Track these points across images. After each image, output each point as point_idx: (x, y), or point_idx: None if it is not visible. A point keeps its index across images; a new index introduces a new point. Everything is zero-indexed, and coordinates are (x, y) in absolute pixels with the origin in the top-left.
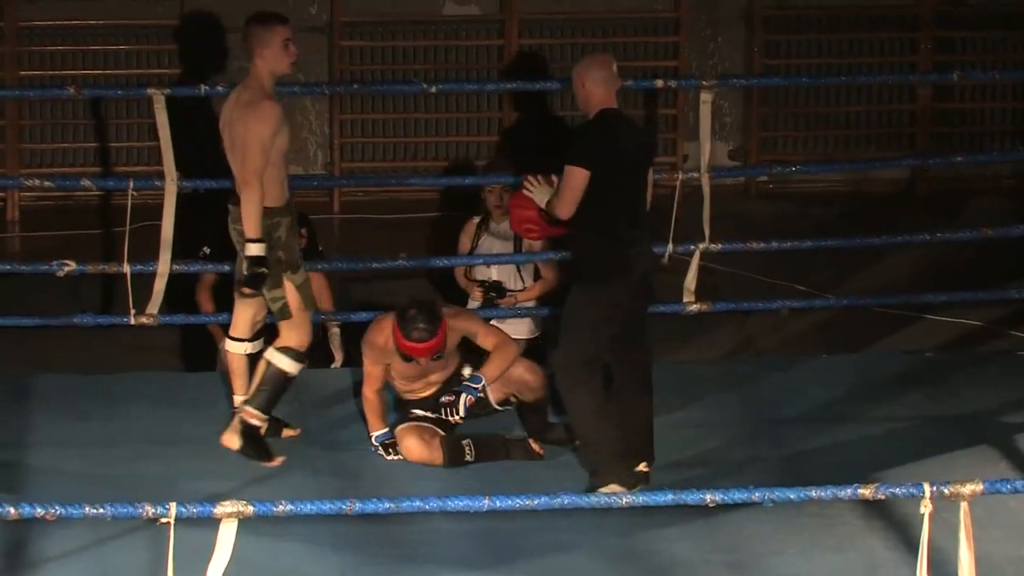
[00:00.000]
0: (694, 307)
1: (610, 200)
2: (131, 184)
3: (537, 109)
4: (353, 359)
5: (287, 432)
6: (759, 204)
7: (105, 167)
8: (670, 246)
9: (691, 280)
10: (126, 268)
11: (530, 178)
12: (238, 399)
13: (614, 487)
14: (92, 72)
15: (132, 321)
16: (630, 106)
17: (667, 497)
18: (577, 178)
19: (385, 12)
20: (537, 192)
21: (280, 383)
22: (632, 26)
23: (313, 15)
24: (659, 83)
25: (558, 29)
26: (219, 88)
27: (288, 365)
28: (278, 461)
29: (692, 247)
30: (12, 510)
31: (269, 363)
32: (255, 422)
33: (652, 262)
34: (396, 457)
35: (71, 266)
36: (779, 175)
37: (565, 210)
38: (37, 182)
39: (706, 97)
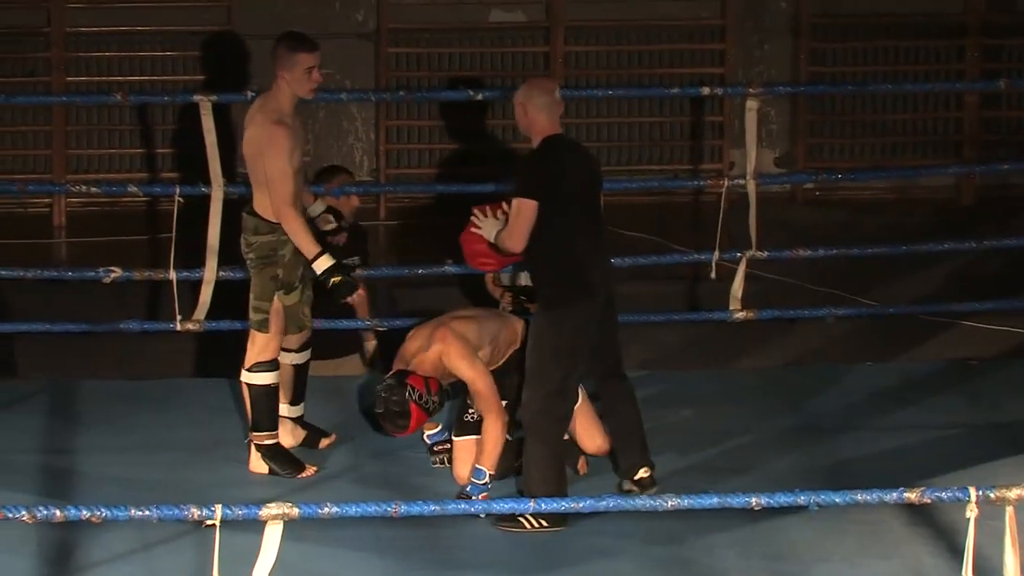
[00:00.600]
0: (740, 314)
1: (567, 227)
2: (177, 190)
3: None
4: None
5: (324, 441)
6: (805, 211)
7: (151, 173)
8: (716, 253)
9: (737, 287)
10: (172, 275)
11: (477, 212)
12: (283, 408)
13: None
14: (139, 78)
15: (178, 327)
16: (676, 113)
17: (712, 500)
18: (526, 211)
19: (431, 19)
20: (484, 226)
21: (269, 396)
22: (678, 33)
23: (360, 22)
24: (705, 90)
25: (604, 36)
26: None
27: (266, 378)
28: (312, 471)
29: (738, 254)
30: (58, 513)
31: (249, 386)
32: (269, 441)
33: (613, 282)
34: (442, 467)
35: (117, 272)
36: (825, 182)
37: (516, 244)
38: (84, 188)
39: (752, 104)
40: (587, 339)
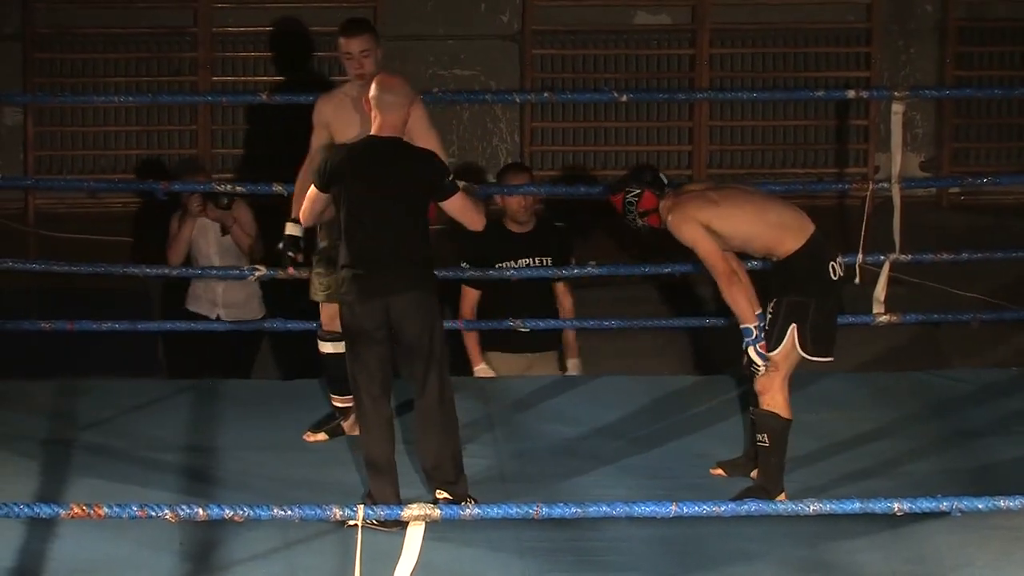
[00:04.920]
0: (884, 318)
1: (352, 227)
2: None
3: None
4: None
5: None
6: (950, 216)
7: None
8: (860, 256)
9: (881, 291)
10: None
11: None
12: None
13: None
14: (284, 78)
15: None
16: (821, 116)
17: (855, 506)
18: (312, 195)
19: (576, 21)
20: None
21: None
22: (824, 36)
23: (505, 23)
24: (851, 93)
25: (749, 39)
26: None
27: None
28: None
29: (882, 258)
30: (201, 511)
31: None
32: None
33: (412, 292)
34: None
35: (262, 271)
36: (970, 186)
37: (305, 215)
38: (228, 187)
39: (898, 108)
40: (366, 341)
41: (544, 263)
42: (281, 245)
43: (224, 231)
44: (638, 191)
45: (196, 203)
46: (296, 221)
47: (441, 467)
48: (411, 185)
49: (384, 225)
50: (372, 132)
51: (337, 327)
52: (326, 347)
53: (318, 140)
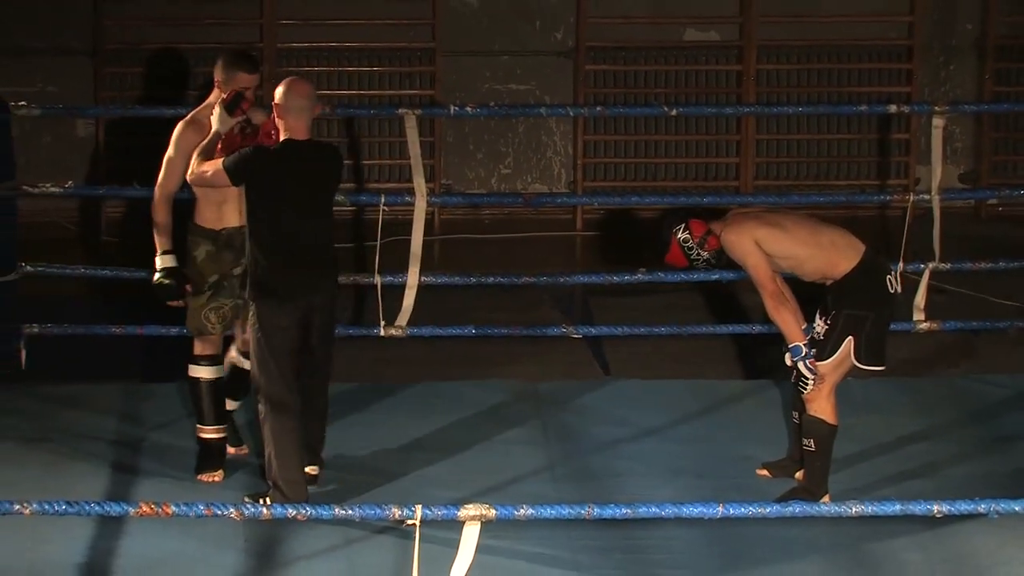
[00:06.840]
0: (924, 325)
1: (276, 227)
2: (382, 200)
3: None
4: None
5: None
6: (989, 227)
7: (358, 184)
8: (901, 265)
9: (921, 299)
10: (377, 280)
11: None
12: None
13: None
14: (346, 92)
15: (382, 332)
16: (863, 130)
17: (895, 507)
18: (218, 173)
19: (628, 38)
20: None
21: (201, 391)
22: (867, 53)
23: (559, 40)
24: (892, 108)
25: (795, 55)
26: (467, 109)
27: (197, 372)
28: (218, 476)
29: (922, 266)
30: (265, 510)
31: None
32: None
33: (333, 288)
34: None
35: None
36: (1008, 198)
37: (191, 174)
38: None
39: (938, 122)
40: (291, 339)
41: None
42: (169, 280)
43: None
44: (681, 223)
45: None
46: (170, 252)
47: (318, 447)
48: (332, 184)
49: (314, 224)
50: (287, 136)
51: (216, 351)
52: (207, 373)
53: (180, 166)
